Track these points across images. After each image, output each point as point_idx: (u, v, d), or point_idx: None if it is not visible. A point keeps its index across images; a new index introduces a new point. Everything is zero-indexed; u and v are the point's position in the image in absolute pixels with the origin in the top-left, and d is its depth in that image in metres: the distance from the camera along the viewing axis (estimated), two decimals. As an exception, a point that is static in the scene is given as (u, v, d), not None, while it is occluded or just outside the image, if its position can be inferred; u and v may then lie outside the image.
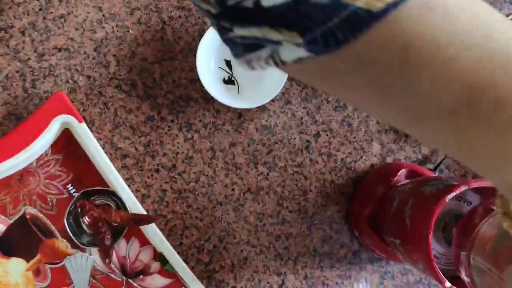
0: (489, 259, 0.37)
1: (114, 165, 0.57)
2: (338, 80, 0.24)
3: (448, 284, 0.40)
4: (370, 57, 0.21)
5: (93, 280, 0.56)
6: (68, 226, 0.55)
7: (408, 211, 0.47)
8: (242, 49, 0.24)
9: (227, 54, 0.59)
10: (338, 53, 0.21)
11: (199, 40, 0.56)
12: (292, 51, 0.22)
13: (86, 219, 0.54)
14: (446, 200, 0.41)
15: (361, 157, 0.62)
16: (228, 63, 0.59)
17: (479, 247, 0.39)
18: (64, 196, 0.56)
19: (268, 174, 0.61)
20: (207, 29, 0.55)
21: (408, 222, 0.46)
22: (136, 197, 0.58)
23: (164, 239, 0.56)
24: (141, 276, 0.57)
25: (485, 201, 0.46)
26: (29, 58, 0.57)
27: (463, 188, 0.41)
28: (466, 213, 0.44)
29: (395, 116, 0.24)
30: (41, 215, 0.55)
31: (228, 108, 0.60)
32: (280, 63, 0.23)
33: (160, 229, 0.57)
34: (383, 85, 0.22)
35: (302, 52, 0.22)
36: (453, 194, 0.41)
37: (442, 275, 0.41)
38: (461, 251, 0.41)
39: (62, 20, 0.58)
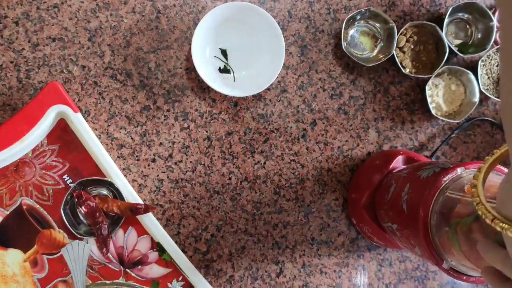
0: (465, 259, 0.38)
1: (110, 155, 0.57)
2: None
3: (445, 265, 0.40)
4: None
5: (91, 271, 0.56)
6: (65, 216, 0.55)
7: (405, 196, 0.47)
8: None
9: (223, 42, 0.59)
10: None
11: (194, 29, 0.56)
12: None
13: (83, 209, 0.54)
14: (442, 181, 0.41)
15: (358, 145, 0.62)
16: (223, 52, 0.59)
17: (448, 254, 0.40)
18: (61, 186, 0.55)
19: (265, 163, 0.61)
20: (202, 17, 0.54)
21: (405, 207, 0.46)
22: (133, 187, 0.58)
23: (162, 228, 0.56)
24: (139, 266, 0.56)
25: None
26: (23, 48, 0.57)
27: (459, 170, 0.41)
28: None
29: None
30: (38, 206, 0.55)
31: (224, 97, 0.60)
32: None
33: (158, 219, 0.57)
34: None
35: None
36: (449, 176, 0.41)
37: (439, 257, 0.41)
38: (441, 263, 0.41)
39: (56, 10, 0.57)
